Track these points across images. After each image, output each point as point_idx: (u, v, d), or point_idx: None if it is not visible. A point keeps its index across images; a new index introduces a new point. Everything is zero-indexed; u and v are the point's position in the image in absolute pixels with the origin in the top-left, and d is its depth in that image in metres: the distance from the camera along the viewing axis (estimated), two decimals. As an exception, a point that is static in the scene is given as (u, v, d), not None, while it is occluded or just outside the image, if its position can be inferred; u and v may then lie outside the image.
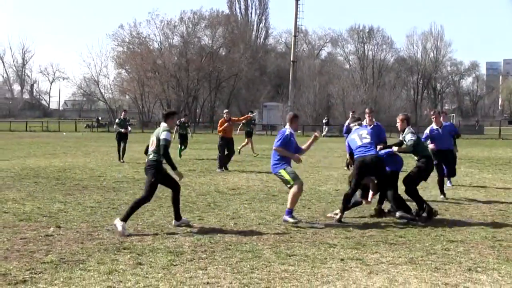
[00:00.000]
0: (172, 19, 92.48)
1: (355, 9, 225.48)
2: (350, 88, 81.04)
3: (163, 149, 9.84)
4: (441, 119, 14.93)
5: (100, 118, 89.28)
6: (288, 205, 10.65)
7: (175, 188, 10.35)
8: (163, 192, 14.43)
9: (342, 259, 8.05)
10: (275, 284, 6.90)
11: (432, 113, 14.83)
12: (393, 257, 8.23)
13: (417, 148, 11.56)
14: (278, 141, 10.82)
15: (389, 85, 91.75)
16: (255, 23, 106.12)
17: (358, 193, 11.42)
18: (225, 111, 23.14)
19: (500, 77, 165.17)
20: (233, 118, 23.53)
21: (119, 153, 24.62)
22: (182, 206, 12.32)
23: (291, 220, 10.53)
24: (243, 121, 26.27)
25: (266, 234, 9.63)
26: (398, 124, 11.87)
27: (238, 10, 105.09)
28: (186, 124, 27.91)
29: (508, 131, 63.26)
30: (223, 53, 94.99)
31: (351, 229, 10.16)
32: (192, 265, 7.68)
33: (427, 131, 14.75)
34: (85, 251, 8.36)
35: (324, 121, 63.64)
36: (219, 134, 21.53)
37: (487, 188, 16.18)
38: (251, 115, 26.46)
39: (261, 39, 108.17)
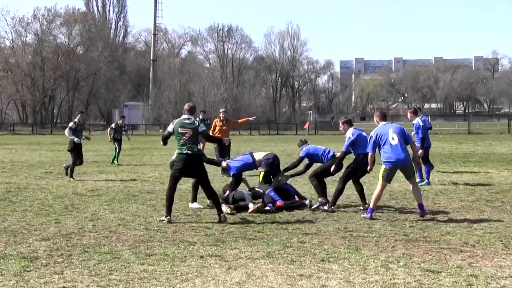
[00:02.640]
0: (24, 16, 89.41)
1: (214, 9, 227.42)
2: (210, 86, 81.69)
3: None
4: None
5: None
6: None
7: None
8: (17, 196, 13.96)
9: (201, 256, 8.13)
10: (134, 284, 6.86)
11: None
12: (251, 252, 8.41)
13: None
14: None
15: (248, 84, 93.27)
16: (114, 21, 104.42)
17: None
18: (221, 110, 20.97)
19: (353, 75, 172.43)
20: (231, 120, 22.11)
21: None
22: (37, 210, 11.99)
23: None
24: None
25: (125, 235, 9.54)
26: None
27: (95, 8, 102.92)
28: (124, 128, 24.96)
29: (360, 127, 65.76)
30: (81, 52, 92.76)
31: (210, 226, 10.27)
32: (48, 270, 7.47)
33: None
34: None
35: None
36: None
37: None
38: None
39: (120, 38, 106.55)
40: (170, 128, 11.00)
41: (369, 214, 11.03)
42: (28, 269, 7.49)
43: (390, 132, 11.14)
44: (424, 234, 9.50)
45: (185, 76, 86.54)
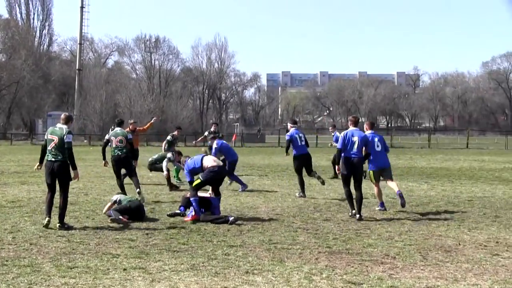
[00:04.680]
0: None
1: (142, 19, 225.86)
2: (137, 97, 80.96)
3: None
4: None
5: None
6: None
7: None
8: None
9: (125, 269, 8.06)
10: (54, 297, 6.75)
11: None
12: (175, 264, 8.40)
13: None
14: None
15: (176, 95, 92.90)
16: (38, 29, 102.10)
17: None
18: (130, 121, 20.72)
19: (279, 88, 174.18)
20: (139, 127, 22.22)
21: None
22: (-45, 222, 11.62)
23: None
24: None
25: (46, 247, 9.36)
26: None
27: (19, 15, 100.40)
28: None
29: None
30: (3, 59, 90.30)
31: (134, 238, 10.19)
32: (-35, 283, 7.27)
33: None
34: None
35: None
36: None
37: (265, 194, 16.99)
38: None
39: (45, 46, 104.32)
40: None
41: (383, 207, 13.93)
42: None
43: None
44: (347, 246, 9.69)
45: (112, 86, 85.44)
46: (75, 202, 14.61)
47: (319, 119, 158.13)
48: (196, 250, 9.37)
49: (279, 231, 11.11)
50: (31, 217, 12.44)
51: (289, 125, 17.69)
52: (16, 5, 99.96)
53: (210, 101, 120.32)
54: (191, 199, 12.28)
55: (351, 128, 13.24)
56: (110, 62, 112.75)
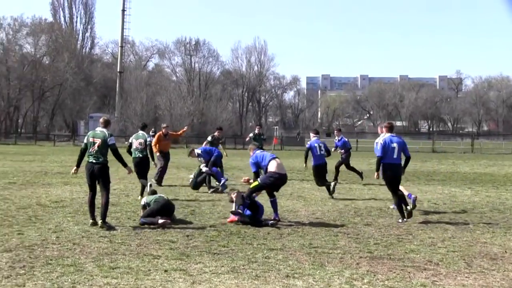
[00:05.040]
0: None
1: (182, 22, 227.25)
2: (177, 99, 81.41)
3: None
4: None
5: None
6: None
7: None
8: (-21, 207, 13.74)
9: (166, 270, 8.09)
10: (97, 297, 6.80)
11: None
12: (216, 266, 8.40)
13: None
14: None
15: (215, 97, 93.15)
16: (81, 32, 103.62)
17: None
18: (163, 125, 21.20)
19: (319, 92, 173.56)
20: (172, 132, 22.59)
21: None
22: (0, 221, 11.84)
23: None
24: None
25: (89, 247, 9.46)
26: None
27: (62, 19, 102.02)
28: (221, 140, 22.43)
29: (327, 143, 66.23)
30: (47, 62, 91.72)
31: (175, 240, 10.23)
32: (9, 282, 7.37)
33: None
34: None
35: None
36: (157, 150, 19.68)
37: (305, 198, 16.93)
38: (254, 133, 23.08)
39: (87, 49, 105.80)
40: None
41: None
42: (-11, 281, 7.39)
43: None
44: (389, 252, 9.58)
45: (152, 88, 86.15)
46: (116, 203, 14.74)
47: (359, 122, 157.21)
48: (236, 252, 9.36)
49: (320, 235, 11.04)
50: (74, 217, 12.59)
51: (311, 134, 18.02)
52: (60, 8, 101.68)
53: (250, 104, 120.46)
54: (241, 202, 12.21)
55: (388, 134, 13.29)
56: (151, 65, 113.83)
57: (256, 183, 12.46)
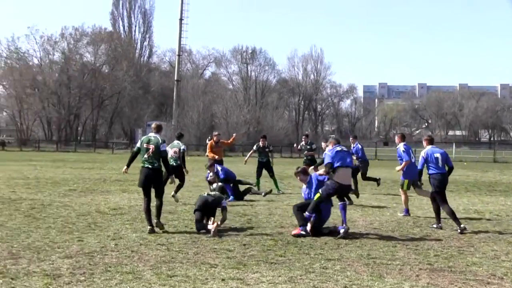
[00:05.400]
0: (52, 35, 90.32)
1: (238, 30, 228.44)
2: (233, 108, 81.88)
3: None
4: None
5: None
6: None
7: None
8: (41, 213, 14.03)
9: (223, 279, 8.08)
10: (155, 305, 6.82)
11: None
12: (273, 276, 8.34)
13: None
14: None
15: (271, 106, 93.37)
16: (139, 41, 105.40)
17: None
18: (215, 133, 21.56)
19: (376, 100, 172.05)
20: (223, 140, 22.67)
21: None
22: (60, 227, 12.04)
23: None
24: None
25: (147, 255, 9.52)
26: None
27: (121, 28, 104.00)
28: (267, 148, 21.64)
29: (384, 152, 65.66)
30: (106, 71, 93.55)
31: (232, 248, 10.22)
32: (70, 288, 7.47)
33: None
34: (-45, 275, 7.96)
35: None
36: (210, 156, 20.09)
37: (363, 207, 16.73)
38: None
39: (145, 58, 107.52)
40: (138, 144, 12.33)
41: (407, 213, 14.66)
42: (51, 287, 7.50)
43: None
44: (449, 264, 9.36)
45: (208, 97, 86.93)
46: (173, 211, 14.84)
47: (417, 131, 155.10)
48: (293, 262, 9.29)
49: (378, 245, 10.87)
50: (132, 224, 12.72)
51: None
52: (119, 18, 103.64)
53: (306, 112, 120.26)
54: (306, 214, 11.93)
55: (428, 146, 13.43)
56: (207, 73, 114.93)
57: (318, 195, 12.22)
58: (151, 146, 11.97)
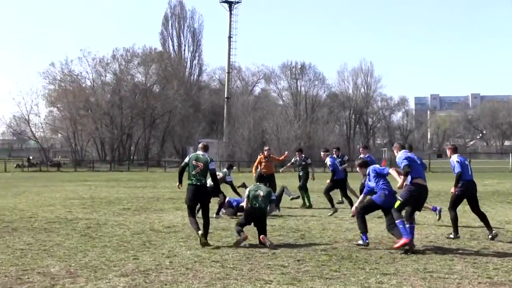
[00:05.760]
0: (104, 57, 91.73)
1: (287, 46, 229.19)
2: (284, 123, 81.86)
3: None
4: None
5: (31, 157, 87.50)
6: None
7: None
8: (97, 232, 14.22)
9: (278, 296, 8.05)
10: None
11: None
12: (328, 291, 8.28)
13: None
14: None
15: (322, 121, 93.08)
16: (189, 60, 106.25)
17: None
18: (265, 147, 21.87)
19: (428, 112, 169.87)
20: (274, 156, 22.59)
21: None
22: (116, 246, 12.18)
23: None
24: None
25: (201, 272, 9.56)
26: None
27: (171, 47, 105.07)
28: (305, 161, 21.47)
29: (437, 164, 64.75)
30: (157, 90, 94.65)
31: (286, 264, 10.18)
32: (127, 306, 7.53)
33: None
34: (15, 295, 8.11)
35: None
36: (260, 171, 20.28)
37: (417, 220, 16.46)
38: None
39: (195, 76, 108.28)
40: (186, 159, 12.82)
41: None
42: (108, 305, 7.57)
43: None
44: (510, 278, 9.12)
45: (259, 113, 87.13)
46: (227, 228, 14.88)
47: (471, 143, 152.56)
48: (348, 277, 9.19)
49: (434, 259, 10.69)
50: (186, 242, 12.79)
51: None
52: (169, 38, 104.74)
53: (357, 126, 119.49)
54: (396, 221, 11.65)
55: (455, 155, 13.55)
56: (257, 90, 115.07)
57: (398, 202, 11.84)
58: (200, 164, 12.44)
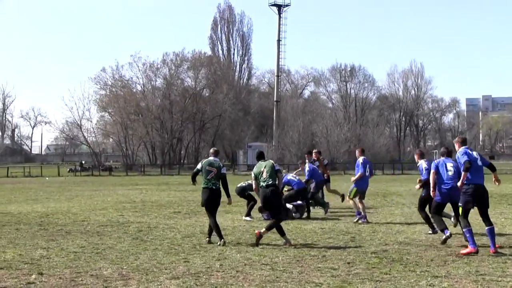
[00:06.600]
0: (154, 61, 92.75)
1: (336, 48, 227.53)
2: (333, 126, 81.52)
3: None
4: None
5: (83, 162, 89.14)
6: None
7: None
8: (148, 235, 14.41)
9: (328, 298, 8.04)
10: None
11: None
12: (378, 294, 8.24)
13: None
14: None
15: (372, 123, 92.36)
16: (238, 63, 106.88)
17: None
18: (315, 150, 22.18)
19: (480, 113, 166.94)
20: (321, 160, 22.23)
21: None
22: (167, 249, 12.33)
23: None
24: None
25: (252, 275, 9.60)
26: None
27: (220, 52, 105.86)
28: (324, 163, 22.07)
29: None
30: (207, 94, 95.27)
31: (336, 267, 10.16)
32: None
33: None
34: (70, 296, 8.28)
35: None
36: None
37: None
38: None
39: (244, 80, 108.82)
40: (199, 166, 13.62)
41: None
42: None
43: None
44: None
45: (308, 116, 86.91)
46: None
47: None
48: (399, 280, 9.13)
49: (486, 261, 10.53)
50: (236, 245, 12.87)
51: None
52: (218, 42, 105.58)
53: (407, 128, 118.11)
54: (463, 230, 11.65)
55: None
56: (306, 93, 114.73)
57: (460, 209, 11.69)
58: (214, 169, 13.29)
